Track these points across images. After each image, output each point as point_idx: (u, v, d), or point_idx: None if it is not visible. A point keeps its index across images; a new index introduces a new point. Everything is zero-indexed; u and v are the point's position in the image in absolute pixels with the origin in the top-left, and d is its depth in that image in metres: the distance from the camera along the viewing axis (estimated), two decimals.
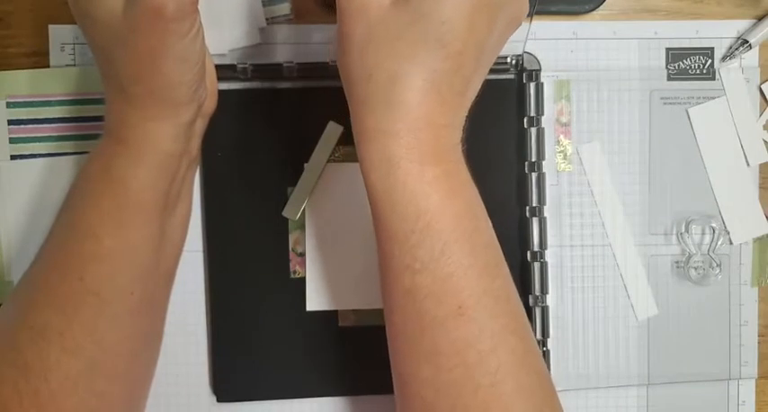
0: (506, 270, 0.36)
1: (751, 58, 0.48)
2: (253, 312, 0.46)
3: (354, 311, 0.46)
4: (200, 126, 0.40)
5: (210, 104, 0.40)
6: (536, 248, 0.46)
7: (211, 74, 0.40)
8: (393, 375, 0.36)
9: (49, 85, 0.45)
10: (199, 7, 0.34)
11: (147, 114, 0.35)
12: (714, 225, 0.48)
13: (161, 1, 0.31)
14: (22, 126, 0.45)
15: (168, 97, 0.35)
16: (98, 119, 0.46)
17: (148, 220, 0.36)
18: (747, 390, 0.49)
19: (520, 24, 0.35)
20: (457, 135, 0.34)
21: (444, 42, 0.32)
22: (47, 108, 0.45)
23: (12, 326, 0.35)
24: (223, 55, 0.45)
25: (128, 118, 0.35)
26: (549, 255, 0.47)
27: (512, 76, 0.47)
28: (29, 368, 0.34)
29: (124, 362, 0.37)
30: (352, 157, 0.46)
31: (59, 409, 0.34)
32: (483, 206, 0.35)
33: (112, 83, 0.35)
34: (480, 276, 0.34)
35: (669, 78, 0.48)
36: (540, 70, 0.46)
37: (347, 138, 0.46)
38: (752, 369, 0.48)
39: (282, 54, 0.46)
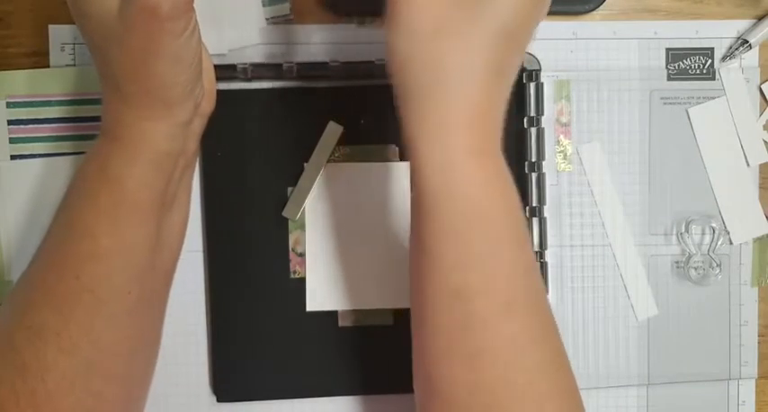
0: (538, 266, 0.36)
1: (751, 58, 0.48)
2: (253, 312, 0.46)
3: (354, 311, 0.46)
4: (198, 126, 0.40)
5: (208, 104, 0.40)
6: (536, 248, 0.46)
7: (209, 73, 0.40)
8: (418, 375, 0.36)
9: (48, 85, 0.45)
10: (199, 7, 0.34)
11: (142, 113, 0.35)
12: (714, 225, 0.48)
13: (156, 0, 0.31)
14: (22, 126, 0.45)
15: (163, 97, 0.35)
16: (98, 119, 0.44)
17: (145, 220, 0.36)
18: (747, 390, 0.49)
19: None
20: (502, 120, 0.34)
21: (513, 33, 0.32)
22: (47, 108, 0.45)
23: (9, 326, 0.35)
24: (223, 55, 0.45)
25: (123, 117, 0.35)
26: (549, 255, 0.47)
27: None
28: (26, 368, 0.34)
29: (122, 362, 0.37)
30: (352, 157, 0.46)
31: (56, 409, 0.34)
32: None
33: (109, 82, 0.35)
34: (525, 273, 0.34)
35: (669, 78, 0.48)
36: (539, 70, 0.46)
37: (347, 139, 0.46)
38: (752, 369, 0.48)
39: (282, 54, 0.46)
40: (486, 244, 0.33)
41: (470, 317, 0.33)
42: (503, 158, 0.34)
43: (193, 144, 0.40)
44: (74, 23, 0.45)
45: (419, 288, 0.35)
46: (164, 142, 0.36)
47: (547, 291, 0.47)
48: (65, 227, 0.36)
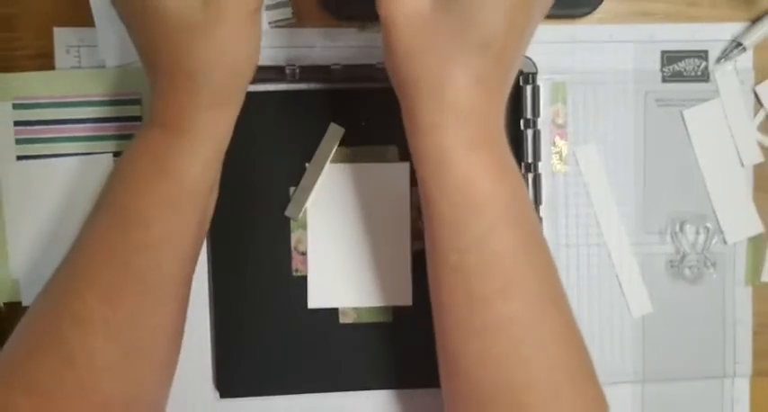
0: (549, 253, 0.37)
1: (745, 60, 0.48)
2: (255, 309, 0.46)
3: (355, 309, 0.47)
4: None
5: None
6: None
7: None
8: (439, 352, 0.38)
9: (54, 86, 0.46)
10: None
11: (211, 102, 0.35)
12: (708, 224, 0.48)
13: None
14: (29, 127, 0.46)
15: (235, 84, 0.36)
16: (103, 120, 0.46)
17: (196, 208, 0.37)
18: (742, 388, 0.49)
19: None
20: (501, 119, 0.36)
21: (487, 43, 0.33)
22: (52, 109, 0.46)
23: (53, 315, 0.36)
24: None
25: (189, 109, 0.35)
26: None
27: None
28: (73, 357, 0.35)
29: (162, 346, 0.38)
30: (353, 158, 0.47)
31: (103, 397, 0.35)
32: (527, 190, 0.37)
33: (177, 75, 0.35)
34: (525, 256, 0.35)
35: (664, 80, 0.48)
36: (536, 73, 0.46)
37: (348, 140, 0.46)
38: (746, 367, 0.49)
39: (284, 57, 0.46)
40: (480, 228, 0.34)
41: (471, 296, 0.35)
42: (503, 148, 0.36)
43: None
44: (78, 26, 0.45)
45: (430, 268, 0.37)
46: (225, 131, 0.37)
47: None
48: (114, 217, 0.36)
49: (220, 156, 0.38)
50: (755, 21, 0.48)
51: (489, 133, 0.35)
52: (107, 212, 0.37)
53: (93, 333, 0.35)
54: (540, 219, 0.47)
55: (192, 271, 0.40)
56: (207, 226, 0.41)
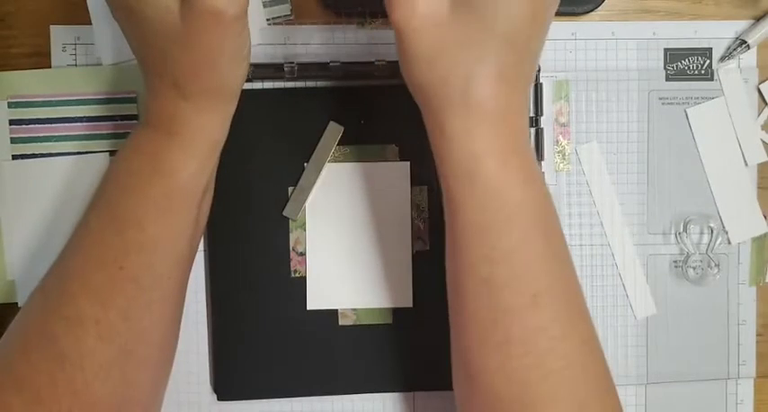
0: (571, 256, 0.36)
1: (749, 58, 0.48)
2: (253, 311, 0.46)
3: (354, 310, 0.47)
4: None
5: None
6: None
7: None
8: (456, 364, 0.37)
9: (50, 85, 0.46)
10: None
11: (202, 108, 0.36)
12: (712, 225, 0.48)
13: (221, 6, 0.32)
14: (24, 126, 0.46)
15: (224, 91, 0.36)
16: (99, 119, 0.46)
17: (190, 207, 0.37)
18: (746, 389, 0.49)
19: None
20: (527, 119, 0.35)
21: (511, 39, 0.32)
22: (48, 108, 0.46)
23: (44, 316, 0.36)
24: None
25: (181, 112, 0.36)
26: None
27: None
28: (64, 357, 0.35)
29: (154, 348, 0.38)
30: (353, 157, 0.47)
31: (93, 397, 0.35)
32: (551, 195, 0.36)
33: (165, 79, 0.35)
34: (553, 264, 0.35)
35: (668, 79, 0.48)
36: (539, 71, 0.46)
37: (347, 138, 0.46)
38: (750, 368, 0.49)
39: (283, 54, 0.46)
40: (512, 239, 0.34)
41: (499, 308, 0.34)
42: (530, 151, 0.35)
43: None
44: (75, 24, 0.45)
45: (454, 278, 0.36)
46: (218, 132, 0.37)
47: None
48: (108, 217, 0.36)
49: (215, 157, 0.38)
50: (759, 19, 0.48)
51: (517, 137, 0.34)
52: (101, 212, 0.37)
53: (85, 333, 0.35)
54: None
55: (188, 272, 0.40)
56: (202, 226, 0.41)
